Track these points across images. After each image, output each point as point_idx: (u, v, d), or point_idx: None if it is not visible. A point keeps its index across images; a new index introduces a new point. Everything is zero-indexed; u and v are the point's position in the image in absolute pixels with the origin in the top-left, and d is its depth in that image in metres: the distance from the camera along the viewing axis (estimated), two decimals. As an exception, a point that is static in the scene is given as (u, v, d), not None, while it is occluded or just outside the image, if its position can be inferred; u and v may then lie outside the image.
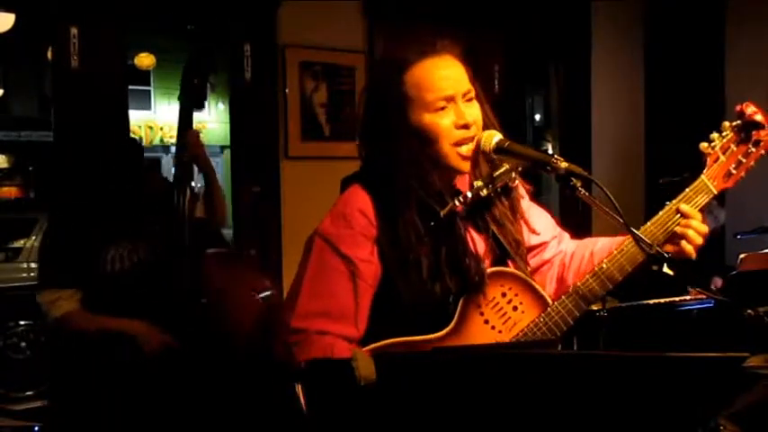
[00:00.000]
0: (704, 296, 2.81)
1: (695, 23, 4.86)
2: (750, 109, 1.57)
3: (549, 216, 1.82)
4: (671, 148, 4.83)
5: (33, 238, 7.00)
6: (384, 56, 1.68)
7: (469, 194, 1.55)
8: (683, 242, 1.55)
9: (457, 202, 1.54)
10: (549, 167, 1.46)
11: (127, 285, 2.46)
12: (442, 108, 1.54)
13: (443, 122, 1.54)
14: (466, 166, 1.58)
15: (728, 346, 0.98)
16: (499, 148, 1.54)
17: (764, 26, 4.66)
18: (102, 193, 2.52)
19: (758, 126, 1.57)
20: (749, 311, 1.45)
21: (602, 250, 1.67)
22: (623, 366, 0.95)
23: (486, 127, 1.59)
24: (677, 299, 2.92)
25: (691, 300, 2.91)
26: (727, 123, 1.60)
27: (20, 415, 3.31)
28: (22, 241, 7.16)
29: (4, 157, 17.50)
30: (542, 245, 1.77)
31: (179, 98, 2.52)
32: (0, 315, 5.46)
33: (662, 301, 2.92)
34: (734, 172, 1.58)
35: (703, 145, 1.60)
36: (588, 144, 4.82)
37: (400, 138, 1.55)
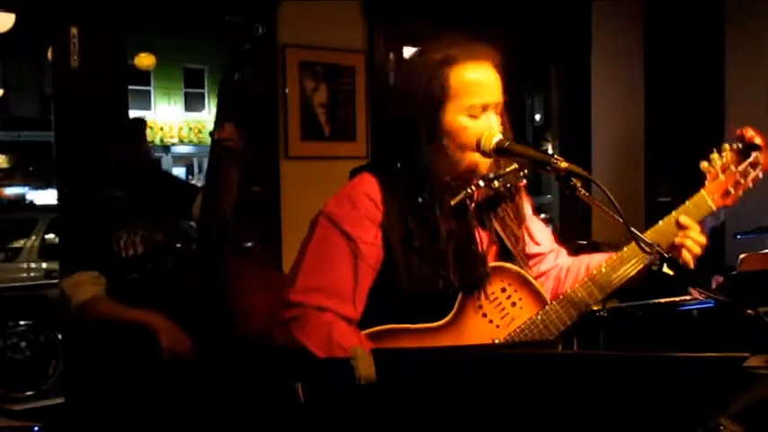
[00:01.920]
0: (704, 296, 2.81)
1: (695, 23, 4.86)
2: (749, 133, 1.64)
3: (548, 231, 1.84)
4: (671, 149, 4.84)
5: (33, 238, 7.00)
6: (425, 47, 1.67)
7: (481, 183, 1.56)
8: (683, 251, 1.58)
9: (468, 190, 1.55)
10: (549, 167, 1.47)
11: (142, 272, 2.48)
12: (476, 116, 1.55)
13: (474, 130, 1.55)
14: (472, 172, 1.59)
15: (728, 346, 0.98)
16: (499, 148, 1.55)
17: (764, 26, 4.66)
18: (112, 178, 2.57)
19: (757, 148, 1.64)
20: (749, 311, 1.45)
21: (597, 263, 1.68)
22: (623, 366, 0.95)
23: None
24: (677, 299, 2.92)
25: (691, 300, 2.91)
26: (726, 145, 1.66)
27: (20, 415, 3.31)
28: (21, 241, 7.16)
29: (3, 157, 17.52)
30: (540, 256, 1.79)
31: (218, 94, 2.56)
32: (0, 315, 5.46)
33: (662, 301, 2.93)
34: (732, 191, 1.65)
35: (704, 164, 1.66)
36: (588, 144, 4.82)
37: (431, 131, 1.55)
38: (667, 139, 4.88)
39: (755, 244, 3.75)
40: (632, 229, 1.47)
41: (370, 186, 1.56)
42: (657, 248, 1.45)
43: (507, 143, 1.55)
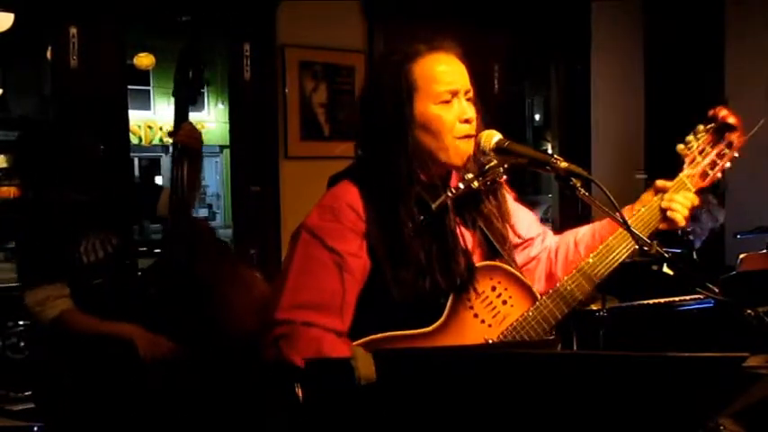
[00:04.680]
0: (704, 296, 2.81)
1: (695, 23, 4.86)
2: (723, 112, 1.65)
3: (532, 215, 1.84)
4: (671, 148, 4.84)
5: (33, 237, 6.99)
6: (389, 49, 1.69)
7: (461, 185, 1.55)
8: (672, 213, 1.61)
9: (449, 193, 1.55)
10: (548, 167, 1.47)
11: (105, 276, 2.46)
12: (447, 101, 1.55)
13: (448, 115, 1.55)
14: (462, 161, 1.58)
15: (728, 346, 0.98)
16: (499, 148, 1.55)
17: (764, 25, 4.66)
18: (67, 186, 2.50)
19: (731, 128, 1.65)
20: (749, 311, 1.45)
21: (585, 236, 1.73)
22: (623, 366, 0.95)
23: (478, 130, 1.59)
24: (677, 299, 2.92)
25: (691, 300, 2.91)
26: (701, 126, 1.68)
27: (20, 415, 3.30)
28: (21, 241, 7.15)
29: (3, 157, 17.50)
30: (529, 241, 1.79)
31: (173, 93, 2.53)
32: (0, 315, 5.45)
33: (662, 301, 2.92)
34: (710, 173, 1.67)
35: (680, 147, 1.68)
36: (588, 144, 4.83)
37: (405, 126, 1.54)
38: (667, 138, 4.87)
39: (755, 244, 3.75)
40: (632, 229, 1.47)
41: (351, 196, 1.54)
42: (657, 249, 1.44)
43: (507, 143, 1.55)
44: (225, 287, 2.48)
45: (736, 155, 1.67)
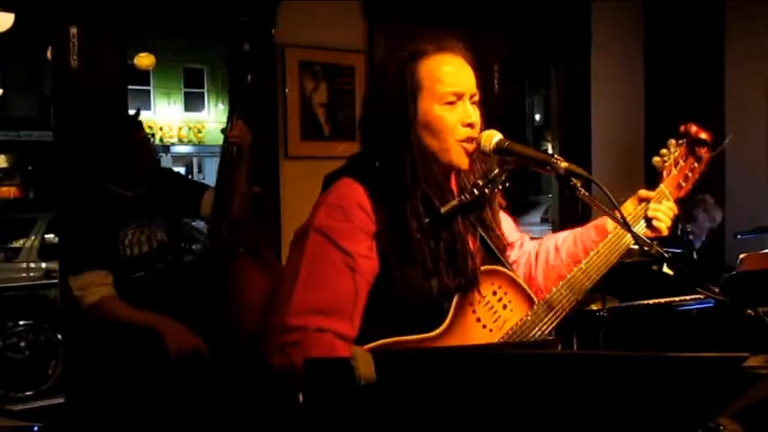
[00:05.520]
0: (704, 296, 2.81)
1: (695, 23, 4.86)
2: (693, 128, 1.74)
3: (511, 220, 1.86)
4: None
5: (33, 237, 6.99)
6: (397, 46, 1.69)
7: (476, 191, 1.56)
8: (654, 222, 1.68)
9: (463, 198, 1.55)
10: (549, 167, 1.47)
11: (147, 270, 2.48)
12: (452, 103, 1.54)
13: (450, 117, 1.54)
14: (466, 162, 1.58)
15: (728, 346, 0.98)
16: (499, 148, 1.55)
17: (764, 25, 4.66)
18: (117, 176, 2.55)
19: (702, 143, 1.74)
20: (749, 311, 1.46)
21: (567, 242, 1.76)
22: (623, 366, 0.95)
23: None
24: (677, 299, 2.93)
25: (691, 300, 2.91)
26: (672, 141, 1.76)
27: (19, 415, 3.31)
28: (21, 241, 7.15)
29: (3, 157, 17.53)
30: (509, 246, 1.80)
31: (229, 94, 2.59)
32: (0, 315, 5.46)
33: (662, 301, 2.93)
34: (683, 184, 1.75)
35: (656, 159, 1.76)
36: (588, 144, 4.82)
37: (408, 124, 1.54)
38: (667, 139, 4.87)
39: (755, 244, 3.76)
40: (632, 229, 1.47)
41: (359, 195, 1.51)
42: (657, 249, 1.45)
43: (507, 143, 1.54)
44: (255, 293, 2.47)
45: (704, 168, 1.76)
